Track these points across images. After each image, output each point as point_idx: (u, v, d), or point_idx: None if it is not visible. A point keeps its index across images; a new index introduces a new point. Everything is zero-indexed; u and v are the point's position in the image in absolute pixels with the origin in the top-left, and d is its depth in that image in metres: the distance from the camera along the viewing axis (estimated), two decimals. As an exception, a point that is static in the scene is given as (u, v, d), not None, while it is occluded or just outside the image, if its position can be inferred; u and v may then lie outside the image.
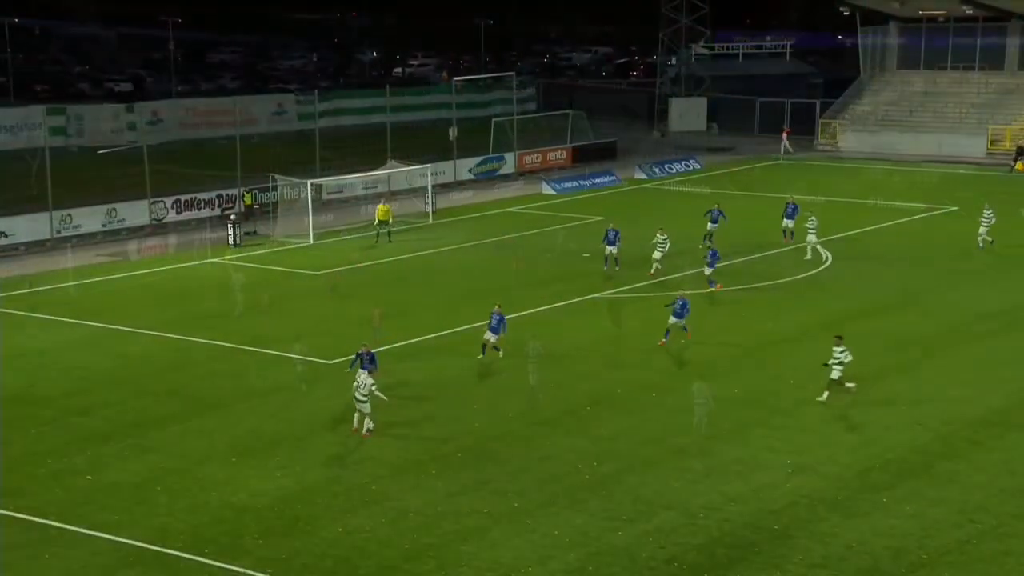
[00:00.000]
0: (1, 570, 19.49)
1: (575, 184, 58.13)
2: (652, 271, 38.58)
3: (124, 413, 26.52)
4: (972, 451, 24.14)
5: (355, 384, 24.88)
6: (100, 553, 19.98)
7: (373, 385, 24.67)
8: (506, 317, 29.95)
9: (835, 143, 70.98)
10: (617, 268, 38.56)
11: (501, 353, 28.48)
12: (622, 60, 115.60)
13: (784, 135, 68.70)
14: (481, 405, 26.89)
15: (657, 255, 38.67)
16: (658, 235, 38.87)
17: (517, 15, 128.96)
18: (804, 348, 31.06)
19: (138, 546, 20.16)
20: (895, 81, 74.44)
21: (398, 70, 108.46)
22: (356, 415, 24.98)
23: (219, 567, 19.47)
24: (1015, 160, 62.16)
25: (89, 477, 22.97)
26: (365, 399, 24.69)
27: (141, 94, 78.85)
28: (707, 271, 36.61)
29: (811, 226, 41.28)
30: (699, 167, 64.32)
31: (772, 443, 24.53)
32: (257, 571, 19.32)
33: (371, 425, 24.86)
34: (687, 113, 78.94)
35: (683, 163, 64.32)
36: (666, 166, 63.16)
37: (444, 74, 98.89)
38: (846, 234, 45.81)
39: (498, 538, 20.47)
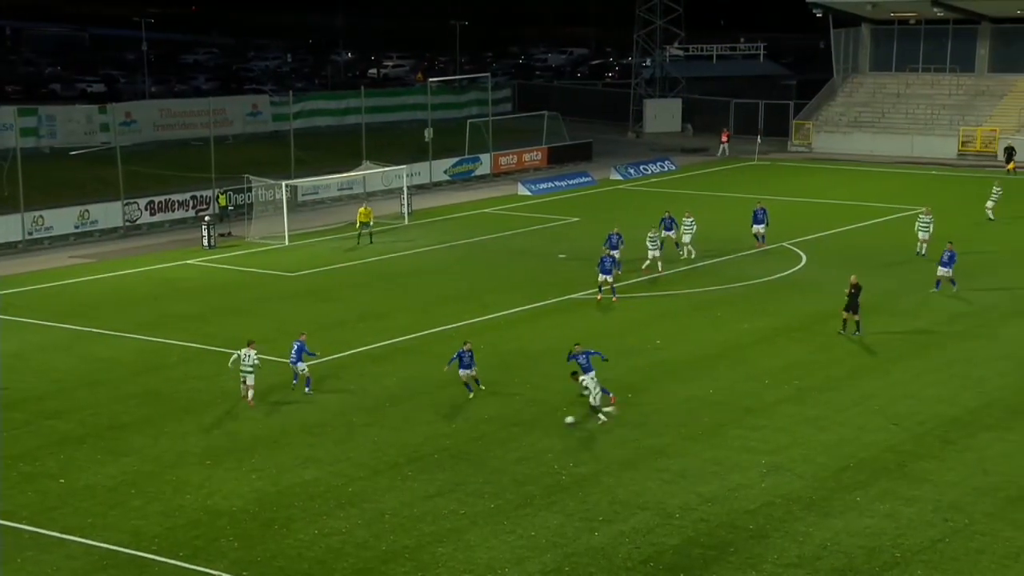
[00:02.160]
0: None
1: (551, 185, 58.20)
2: (684, 255, 40.87)
3: (98, 416, 26.35)
4: (945, 450, 24.32)
5: (238, 358, 26.68)
6: (73, 557, 19.85)
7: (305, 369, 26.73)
8: (489, 317, 29.90)
9: (808, 144, 71.39)
10: (619, 271, 38.69)
11: (483, 387, 27.84)
12: (597, 62, 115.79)
13: (724, 137, 69.25)
14: (457, 407, 26.88)
15: (686, 238, 41.07)
16: (684, 217, 41.33)
17: (493, 17, 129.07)
18: (779, 349, 31.23)
19: (112, 549, 20.04)
20: (868, 83, 74.93)
21: (373, 71, 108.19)
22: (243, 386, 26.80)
23: (194, 570, 19.38)
24: (1007, 161, 62.60)
25: (62, 480, 22.81)
26: (251, 370, 26.65)
27: (114, 95, 78.28)
28: (604, 277, 35.48)
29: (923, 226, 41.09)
30: (674, 168, 64.54)
31: (747, 443, 24.63)
32: (232, 574, 19.25)
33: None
34: (662, 114, 79.21)
35: (658, 164, 64.53)
36: (641, 167, 63.35)
37: (419, 75, 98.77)
38: (819, 235, 46.09)
39: (475, 539, 20.47)
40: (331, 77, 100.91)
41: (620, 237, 39.11)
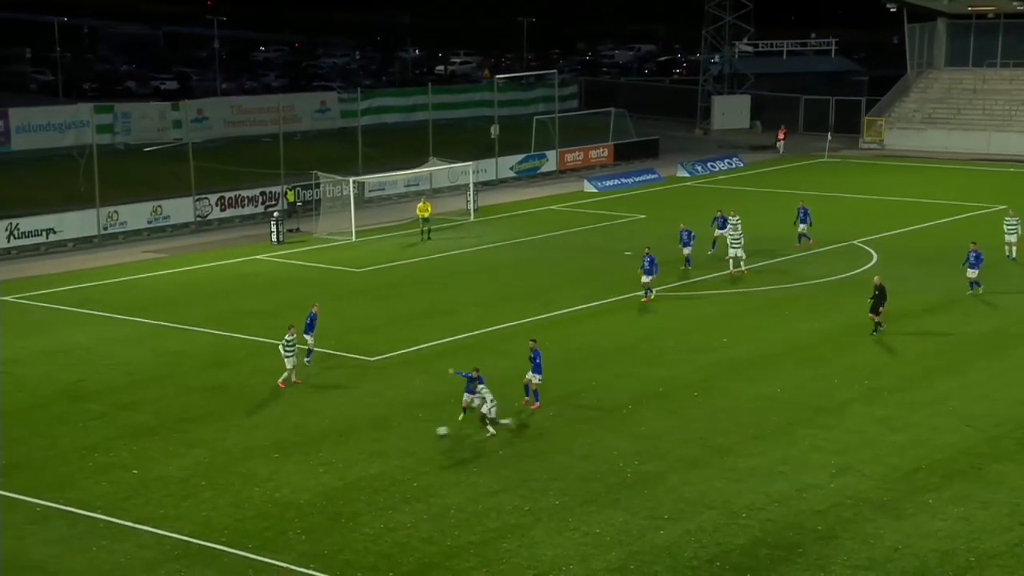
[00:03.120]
0: None
1: (616, 182, 57.98)
2: (719, 252, 39.89)
3: (169, 408, 26.76)
4: (1022, 453, 23.76)
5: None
6: (146, 547, 20.17)
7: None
8: (555, 314, 29.83)
9: (880, 141, 70.24)
10: (689, 268, 38.46)
11: (535, 405, 26.48)
12: (665, 58, 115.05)
13: (781, 135, 68.23)
14: (521, 403, 26.84)
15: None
16: (731, 216, 40.07)
17: (560, 14, 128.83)
18: (848, 348, 30.77)
19: (183, 540, 20.33)
20: (943, 78, 73.52)
21: (440, 68, 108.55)
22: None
23: (263, 562, 19.59)
24: None
25: (135, 471, 23.20)
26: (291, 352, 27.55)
27: (187, 92, 79.46)
28: (645, 279, 34.87)
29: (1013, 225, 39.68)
30: (742, 165, 63.91)
31: (816, 443, 24.30)
32: (300, 566, 19.42)
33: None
34: (730, 111, 78.46)
35: (726, 161, 63.95)
36: (708, 164, 62.83)
37: (486, 72, 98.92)
38: (891, 233, 45.34)
39: (539, 536, 20.44)
40: (398, 74, 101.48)
41: (691, 233, 38.84)
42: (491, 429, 24.71)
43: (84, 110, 49.57)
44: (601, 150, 64.24)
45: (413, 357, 30.41)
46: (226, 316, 34.07)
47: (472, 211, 49.98)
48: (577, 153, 62.93)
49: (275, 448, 24.31)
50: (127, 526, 20.82)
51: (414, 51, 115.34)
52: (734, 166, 63.68)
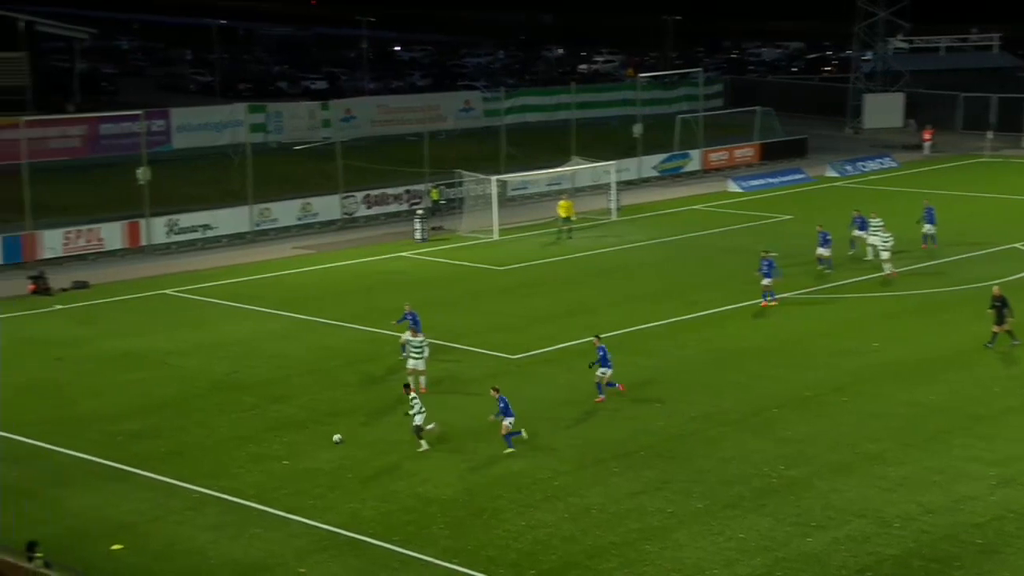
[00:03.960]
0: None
1: (762, 182, 56.92)
2: (868, 255, 38.98)
3: (319, 402, 27.40)
4: None
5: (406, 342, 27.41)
6: (296, 536, 20.69)
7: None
8: (698, 315, 29.49)
9: (1046, 140, 67.15)
10: (830, 270, 37.65)
11: (620, 387, 26.74)
12: (813, 55, 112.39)
13: (927, 135, 65.52)
14: (663, 405, 26.60)
15: (874, 240, 38.83)
16: (872, 218, 39.26)
17: (706, 11, 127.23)
18: (1010, 355, 29.53)
19: (331, 531, 20.79)
20: (1115, 73, 69.83)
21: (583, 67, 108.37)
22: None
23: (408, 555, 19.87)
24: None
25: (286, 462, 23.82)
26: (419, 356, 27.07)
27: (335, 92, 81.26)
28: (765, 281, 34.23)
29: None
30: (895, 166, 61.97)
31: (974, 453, 23.39)
32: (444, 561, 19.64)
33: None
34: (882, 109, 76.04)
35: (877, 161, 62.09)
36: (859, 164, 61.10)
37: (630, 71, 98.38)
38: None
39: (682, 539, 20.21)
40: (541, 73, 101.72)
41: (827, 235, 38.08)
42: (424, 444, 24.03)
43: (239, 110, 51.15)
44: (747, 149, 63.16)
45: (554, 356, 30.44)
46: (372, 312, 34.69)
47: (614, 210, 49.76)
48: (722, 152, 62.02)
49: (419, 443, 24.61)
50: (278, 515, 21.39)
51: (557, 50, 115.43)
52: (886, 166, 61.78)
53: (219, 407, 27.00)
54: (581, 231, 45.75)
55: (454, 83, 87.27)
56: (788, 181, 57.63)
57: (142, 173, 43.23)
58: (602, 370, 26.74)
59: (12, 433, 25.15)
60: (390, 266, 41.81)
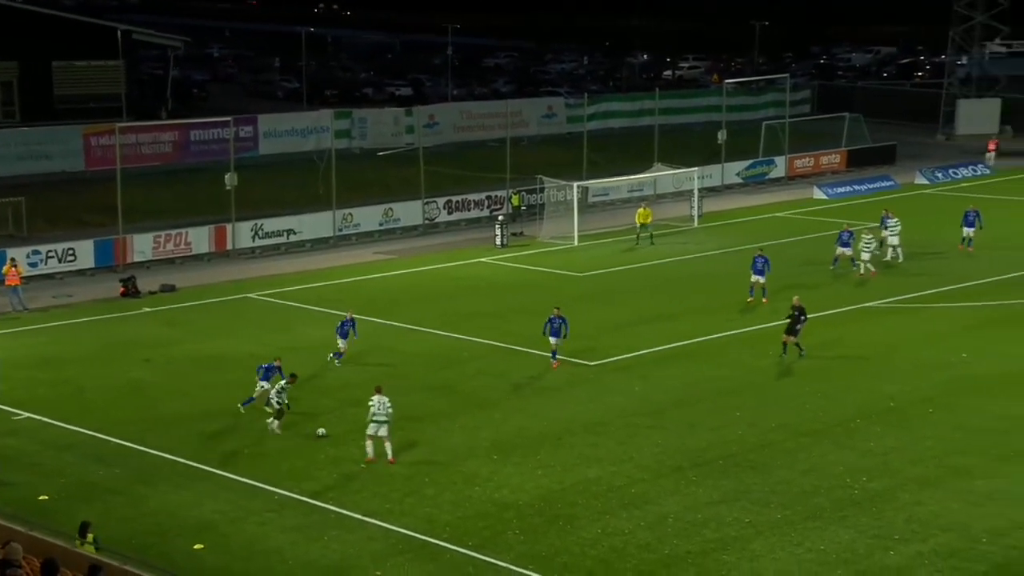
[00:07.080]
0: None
1: (848, 189, 55.99)
2: (861, 271, 38.59)
3: (396, 407, 27.51)
4: None
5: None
6: (374, 539, 20.91)
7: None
8: (779, 323, 29.13)
9: None
10: (849, 267, 38.36)
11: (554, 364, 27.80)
12: (906, 60, 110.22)
13: (992, 146, 63.42)
14: (743, 414, 26.33)
15: (894, 240, 39.82)
16: (888, 218, 40.21)
17: (795, 16, 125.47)
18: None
19: (407, 535, 20.96)
20: None
21: (668, 73, 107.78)
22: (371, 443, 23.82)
23: (483, 560, 19.96)
24: None
25: (363, 465, 24.07)
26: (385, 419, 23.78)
27: (420, 98, 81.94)
28: (760, 280, 35.37)
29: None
30: (988, 172, 60.49)
31: (1065, 469, 22.74)
32: (519, 567, 19.67)
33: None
34: (977, 115, 74.20)
35: (970, 168, 60.63)
36: (950, 171, 59.77)
37: (715, 76, 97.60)
38: None
39: (761, 549, 19.97)
40: (626, 79, 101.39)
41: (852, 234, 39.02)
42: (274, 428, 25.48)
43: (325, 116, 51.89)
44: (833, 156, 62.18)
45: (632, 363, 30.31)
46: (451, 317, 34.89)
47: (696, 217, 49.37)
48: (807, 159, 61.15)
49: (495, 449, 24.72)
50: (356, 518, 21.63)
51: (642, 56, 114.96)
52: (979, 173, 60.30)
53: (299, 410, 27.38)
54: (661, 237, 45.47)
55: (538, 89, 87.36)
56: (874, 188, 56.63)
57: (229, 178, 44.04)
58: (553, 340, 29.10)
59: (101, 432, 25.81)
60: (470, 272, 42.01)
